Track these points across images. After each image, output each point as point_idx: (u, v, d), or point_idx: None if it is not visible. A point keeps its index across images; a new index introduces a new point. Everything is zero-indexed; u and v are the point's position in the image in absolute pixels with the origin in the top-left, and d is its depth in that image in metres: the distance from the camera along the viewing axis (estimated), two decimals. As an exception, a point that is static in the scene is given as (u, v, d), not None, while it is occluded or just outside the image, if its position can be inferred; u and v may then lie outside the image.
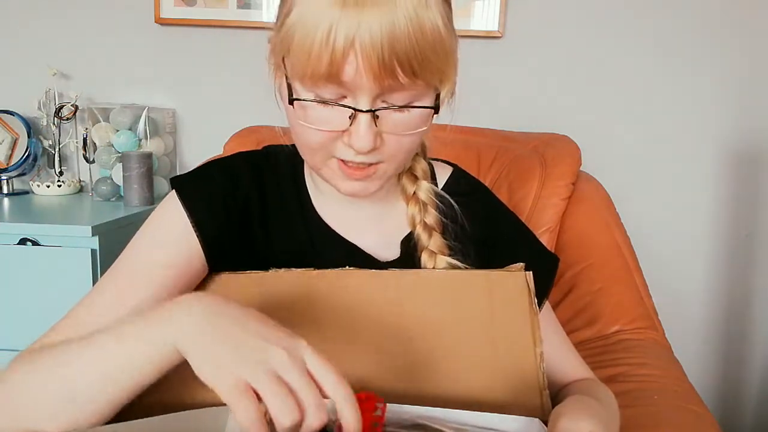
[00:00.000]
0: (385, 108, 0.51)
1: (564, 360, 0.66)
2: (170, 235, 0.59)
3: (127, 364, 0.44)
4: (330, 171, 0.55)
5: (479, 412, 0.47)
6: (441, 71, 0.50)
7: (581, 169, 1.16)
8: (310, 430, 0.38)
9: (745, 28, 1.46)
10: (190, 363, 0.41)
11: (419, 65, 0.47)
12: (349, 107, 0.50)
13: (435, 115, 0.55)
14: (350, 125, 0.50)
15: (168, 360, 0.44)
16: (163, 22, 1.53)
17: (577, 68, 1.50)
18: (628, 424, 0.61)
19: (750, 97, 1.49)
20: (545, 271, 0.65)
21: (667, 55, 1.48)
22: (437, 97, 0.52)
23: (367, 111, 0.49)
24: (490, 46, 1.50)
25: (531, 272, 0.59)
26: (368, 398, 0.45)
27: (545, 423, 0.51)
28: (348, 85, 0.48)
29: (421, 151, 0.66)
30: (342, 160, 0.54)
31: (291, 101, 0.51)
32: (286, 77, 0.52)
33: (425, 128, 0.54)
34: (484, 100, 1.50)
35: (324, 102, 0.50)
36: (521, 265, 0.60)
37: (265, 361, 0.39)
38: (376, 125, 0.50)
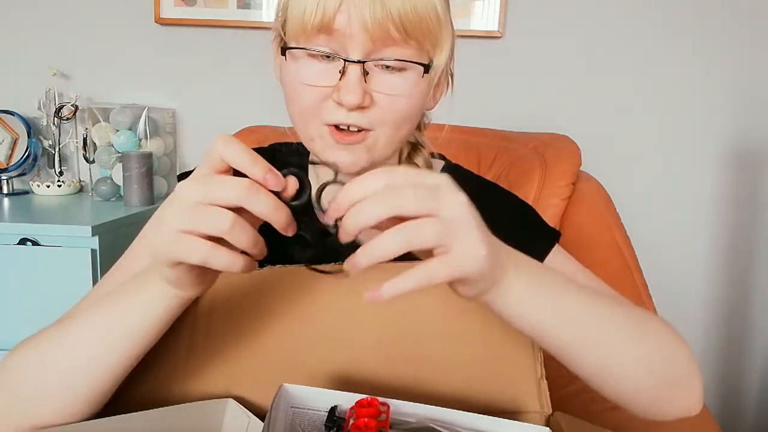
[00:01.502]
0: (374, 61, 0.52)
1: None
2: None
3: (123, 321, 0.46)
4: (322, 141, 0.56)
5: (490, 417, 0.47)
6: (432, 35, 0.52)
7: (581, 169, 1.16)
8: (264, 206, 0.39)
9: (745, 28, 1.46)
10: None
11: (409, 21, 0.50)
12: (340, 57, 0.51)
13: (434, 107, 0.56)
14: (340, 80, 0.51)
15: (157, 299, 0.45)
16: (163, 22, 1.54)
17: (577, 68, 1.51)
18: (627, 424, 0.61)
19: (750, 97, 1.49)
20: (542, 241, 0.65)
21: (667, 55, 1.48)
22: (429, 64, 0.53)
23: (356, 62, 0.51)
24: (490, 46, 1.50)
25: None
26: (371, 403, 0.44)
27: (546, 417, 0.51)
28: (339, 36, 0.50)
29: (421, 145, 0.67)
30: (333, 127, 0.54)
31: (284, 51, 0.53)
32: (282, 39, 0.54)
33: (416, 95, 0.54)
34: (484, 100, 1.50)
35: (315, 55, 0.52)
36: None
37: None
38: (366, 81, 0.51)
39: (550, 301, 0.45)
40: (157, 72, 1.59)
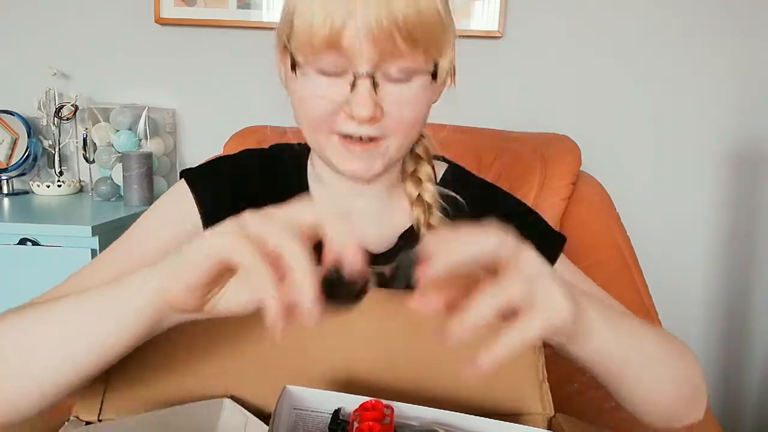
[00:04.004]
0: (383, 74, 0.52)
1: None
2: (176, 218, 0.63)
3: (88, 324, 0.44)
4: (333, 150, 0.56)
5: (495, 420, 0.47)
6: (437, 42, 0.52)
7: (581, 169, 1.16)
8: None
9: (745, 28, 1.46)
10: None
11: (416, 31, 0.50)
12: (350, 72, 0.51)
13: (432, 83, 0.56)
14: (350, 92, 0.52)
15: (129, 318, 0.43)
16: (163, 22, 1.53)
17: (577, 68, 1.50)
18: (627, 424, 0.61)
19: (750, 98, 1.49)
20: (550, 250, 0.64)
21: (667, 55, 1.48)
22: (435, 69, 0.54)
23: (366, 75, 0.51)
24: (490, 46, 1.50)
25: None
26: (375, 407, 0.44)
27: (548, 419, 0.51)
28: (348, 52, 0.50)
29: (425, 156, 0.67)
30: (344, 136, 0.55)
31: (293, 68, 0.53)
32: (291, 56, 0.54)
33: (424, 103, 0.55)
34: (484, 100, 1.50)
35: (325, 73, 0.52)
36: None
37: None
38: (375, 93, 0.52)
39: (622, 337, 0.47)
40: (157, 72, 1.58)
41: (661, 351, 0.51)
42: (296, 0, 0.51)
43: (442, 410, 0.47)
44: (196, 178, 0.65)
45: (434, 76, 0.54)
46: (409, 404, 0.47)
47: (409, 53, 0.51)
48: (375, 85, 0.51)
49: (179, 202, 0.64)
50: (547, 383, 0.55)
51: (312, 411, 0.47)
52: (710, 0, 1.45)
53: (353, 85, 0.51)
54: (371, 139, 0.55)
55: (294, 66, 0.53)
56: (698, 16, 1.46)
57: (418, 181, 0.65)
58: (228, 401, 0.50)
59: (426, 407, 0.47)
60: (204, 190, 0.64)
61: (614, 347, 0.46)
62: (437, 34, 0.52)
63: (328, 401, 0.47)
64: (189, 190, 0.64)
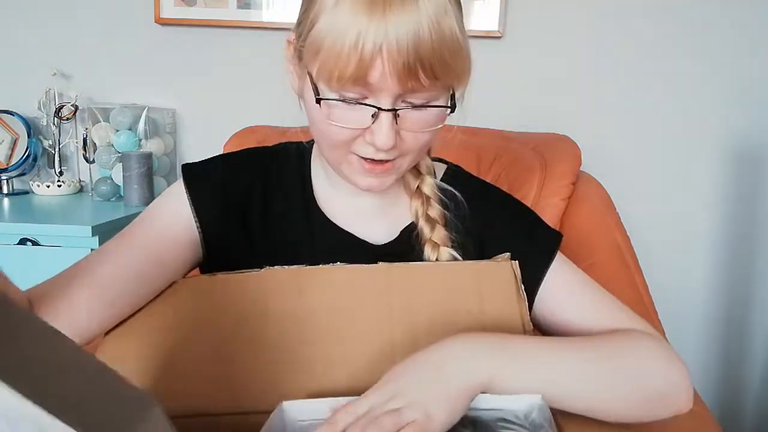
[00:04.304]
0: (405, 108, 0.53)
1: (582, 318, 0.62)
2: (171, 214, 0.64)
3: None
4: (349, 167, 0.58)
5: (486, 394, 0.48)
6: (457, 73, 0.54)
7: (581, 169, 1.16)
8: None
9: (745, 27, 1.46)
10: None
11: (440, 68, 0.51)
12: (373, 106, 0.52)
13: (449, 114, 0.57)
14: (372, 123, 0.53)
15: None
16: (163, 22, 1.53)
17: (577, 68, 1.50)
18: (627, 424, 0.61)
19: (750, 97, 1.49)
20: (548, 243, 0.65)
21: (667, 55, 1.48)
22: (452, 96, 0.56)
23: (389, 110, 0.52)
24: (490, 46, 1.50)
25: (517, 262, 0.61)
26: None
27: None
28: (372, 87, 0.51)
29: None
30: (362, 157, 0.56)
31: (318, 101, 0.54)
32: (311, 79, 0.54)
33: (440, 125, 0.57)
34: (484, 100, 1.48)
35: (349, 102, 0.53)
36: (507, 255, 0.62)
37: None
38: (396, 123, 0.53)
39: (543, 381, 0.51)
40: (157, 72, 1.58)
41: (611, 379, 0.53)
42: (326, 33, 0.50)
43: None
44: (191, 177, 0.66)
45: (452, 108, 0.56)
46: None
47: (430, 86, 0.52)
48: (396, 116, 0.53)
49: (174, 202, 0.65)
50: None
51: (311, 421, 0.48)
52: (712, 0, 1.45)
53: (375, 117, 0.53)
54: (388, 160, 0.56)
55: (318, 100, 0.54)
56: (698, 15, 1.46)
57: (418, 174, 0.66)
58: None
59: None
60: (196, 185, 0.65)
61: (534, 388, 0.50)
62: (458, 64, 0.53)
63: (325, 408, 0.47)
64: (183, 185, 0.65)
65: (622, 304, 0.64)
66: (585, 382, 0.52)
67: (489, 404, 0.48)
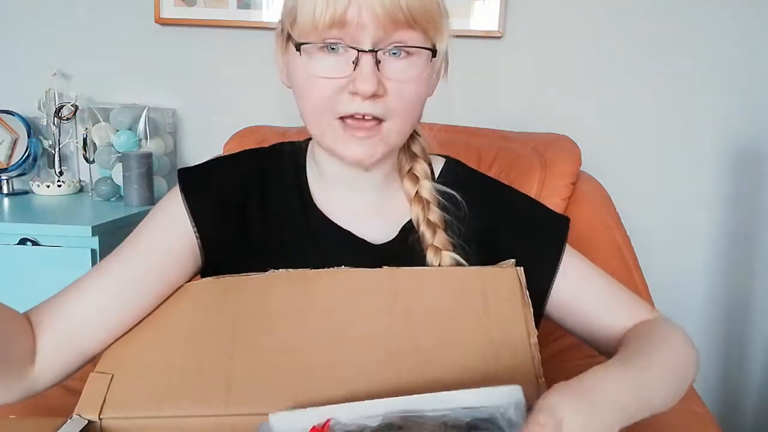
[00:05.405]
0: (385, 52, 0.54)
1: (600, 314, 0.64)
2: (169, 222, 0.63)
3: None
4: (333, 134, 0.57)
5: (468, 389, 0.47)
6: (435, 21, 0.56)
7: (581, 169, 1.16)
8: None
9: (745, 28, 1.46)
10: None
11: (417, 12, 0.53)
12: (353, 48, 0.53)
13: (434, 93, 0.59)
14: (354, 70, 0.54)
15: None
16: (163, 22, 1.53)
17: (577, 68, 1.51)
18: (627, 424, 0.61)
19: (750, 97, 1.49)
20: (556, 232, 0.66)
21: (667, 55, 1.48)
22: (434, 49, 0.57)
23: (369, 51, 0.53)
24: (490, 46, 1.50)
25: (522, 267, 0.61)
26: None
27: None
28: (350, 28, 0.52)
29: (421, 154, 0.68)
30: (346, 119, 0.56)
31: (298, 47, 0.55)
32: (292, 40, 0.56)
33: (425, 83, 0.58)
34: (484, 100, 1.50)
35: (330, 47, 0.54)
36: (512, 261, 0.61)
37: None
38: (378, 70, 0.54)
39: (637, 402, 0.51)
40: (157, 72, 1.58)
41: (667, 373, 0.55)
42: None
43: (412, 396, 0.46)
44: (188, 184, 0.65)
45: (434, 54, 0.56)
46: (375, 401, 0.46)
47: (410, 30, 0.54)
48: (377, 62, 0.53)
49: (172, 213, 0.64)
50: (543, 378, 0.55)
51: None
52: (712, 1, 1.45)
53: (356, 62, 0.53)
54: (374, 119, 0.56)
55: (298, 47, 0.55)
56: (698, 15, 1.46)
57: (415, 179, 0.66)
58: None
59: (394, 398, 0.46)
60: (192, 189, 0.64)
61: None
62: (436, 17, 0.55)
63: (315, 416, 0.47)
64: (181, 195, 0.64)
65: (624, 288, 0.67)
66: (660, 389, 0.54)
67: (467, 398, 0.47)
